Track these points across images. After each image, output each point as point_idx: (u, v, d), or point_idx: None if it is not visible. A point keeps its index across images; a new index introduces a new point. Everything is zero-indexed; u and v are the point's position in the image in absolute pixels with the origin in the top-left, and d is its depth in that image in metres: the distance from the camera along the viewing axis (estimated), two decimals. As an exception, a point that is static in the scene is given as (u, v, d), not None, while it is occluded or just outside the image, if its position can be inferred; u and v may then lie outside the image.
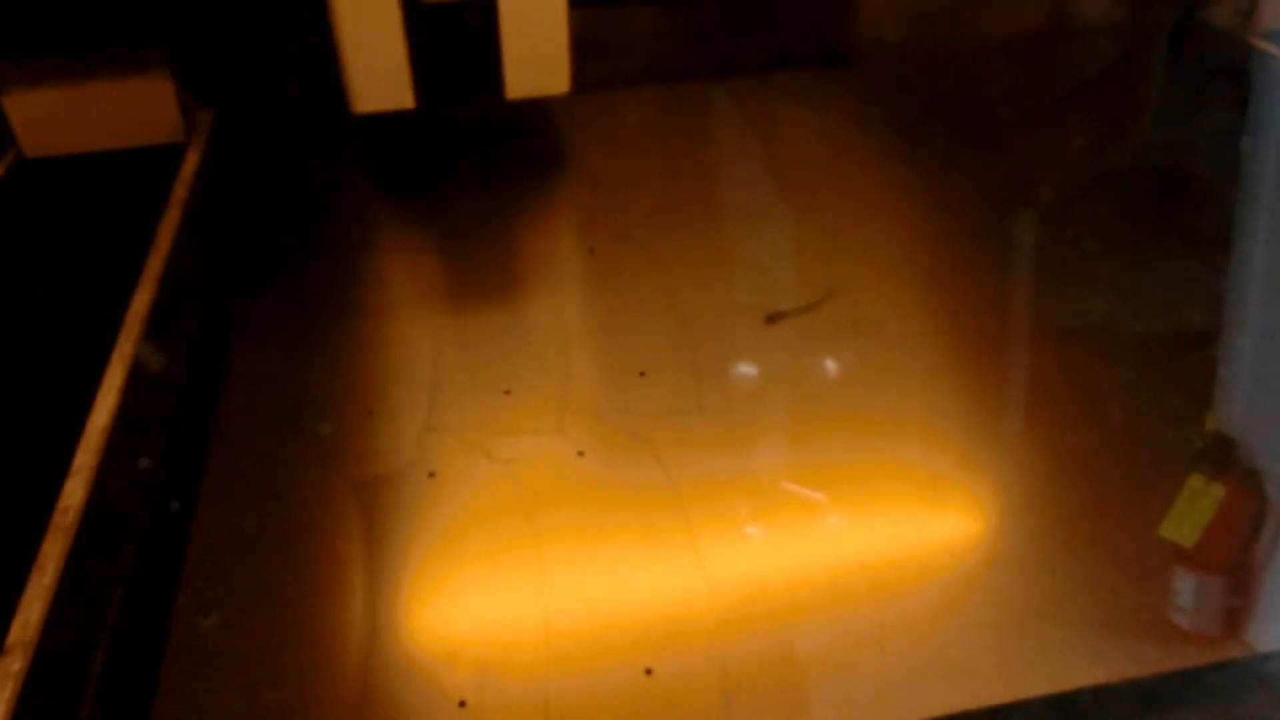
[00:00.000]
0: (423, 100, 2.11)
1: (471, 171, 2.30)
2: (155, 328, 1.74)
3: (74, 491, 1.42)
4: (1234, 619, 1.33)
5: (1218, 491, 1.25)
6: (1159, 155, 2.29)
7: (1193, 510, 1.26)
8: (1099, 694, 1.25)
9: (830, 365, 1.78)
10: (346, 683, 1.31)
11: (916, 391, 1.73)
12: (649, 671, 1.30)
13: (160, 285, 1.84)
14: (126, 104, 2.15)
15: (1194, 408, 1.31)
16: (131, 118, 2.16)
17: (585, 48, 2.20)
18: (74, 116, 2.13)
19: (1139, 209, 2.15)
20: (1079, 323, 1.84)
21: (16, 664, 1.18)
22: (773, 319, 1.58)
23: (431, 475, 1.57)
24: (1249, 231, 1.23)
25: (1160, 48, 2.48)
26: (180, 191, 2.07)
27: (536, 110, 2.41)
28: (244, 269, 2.04)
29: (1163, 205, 2.14)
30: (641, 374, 1.75)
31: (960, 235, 2.11)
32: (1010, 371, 1.78)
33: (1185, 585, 1.32)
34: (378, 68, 2.07)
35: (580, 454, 1.61)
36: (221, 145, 2.24)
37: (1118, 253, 2.03)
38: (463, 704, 1.27)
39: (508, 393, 1.73)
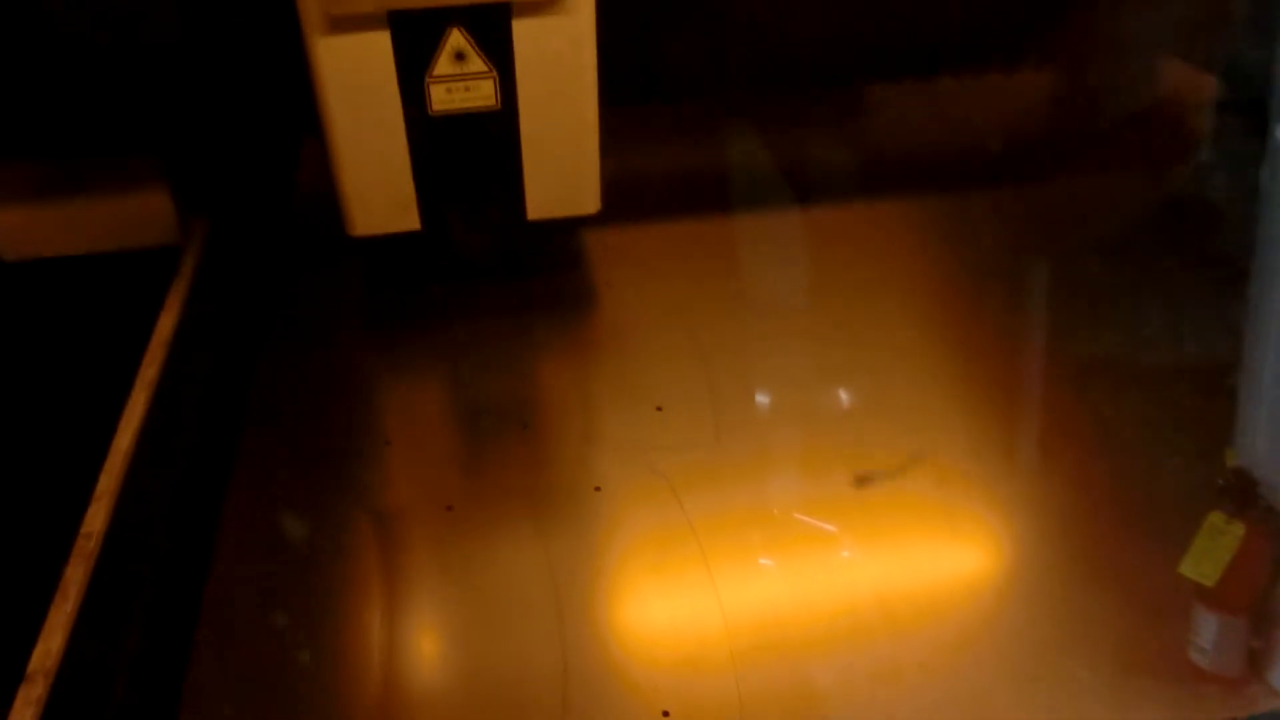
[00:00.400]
0: (430, 221, 1.87)
1: (486, 301, 2.05)
2: (178, 355, 1.77)
3: (96, 517, 1.44)
4: (1257, 661, 1.31)
5: (1238, 529, 1.24)
6: (1180, 185, 2.29)
7: (1213, 548, 1.25)
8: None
9: (844, 397, 1.79)
10: (365, 713, 1.31)
11: (937, 427, 1.73)
12: (666, 714, 1.30)
13: (184, 310, 1.87)
14: (118, 215, 1.99)
15: (1214, 443, 1.30)
16: (122, 226, 1.99)
17: (620, 152, 1.96)
18: (60, 225, 1.98)
19: (1158, 240, 2.15)
20: (1097, 356, 1.84)
21: (37, 691, 1.19)
22: (862, 480, 1.56)
23: (449, 508, 1.58)
24: (1271, 263, 1.23)
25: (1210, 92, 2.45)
26: (189, 262, 1.99)
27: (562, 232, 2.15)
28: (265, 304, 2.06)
29: (1183, 236, 2.14)
30: (659, 409, 1.76)
31: (982, 270, 2.12)
32: (1028, 406, 1.78)
33: (1206, 625, 1.30)
34: (378, 187, 1.82)
35: (597, 489, 1.61)
36: (217, 256, 2.06)
37: (1136, 285, 2.03)
38: (478, 738, 1.27)
39: (525, 426, 1.74)
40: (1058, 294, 2.00)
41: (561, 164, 1.86)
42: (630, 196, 2.21)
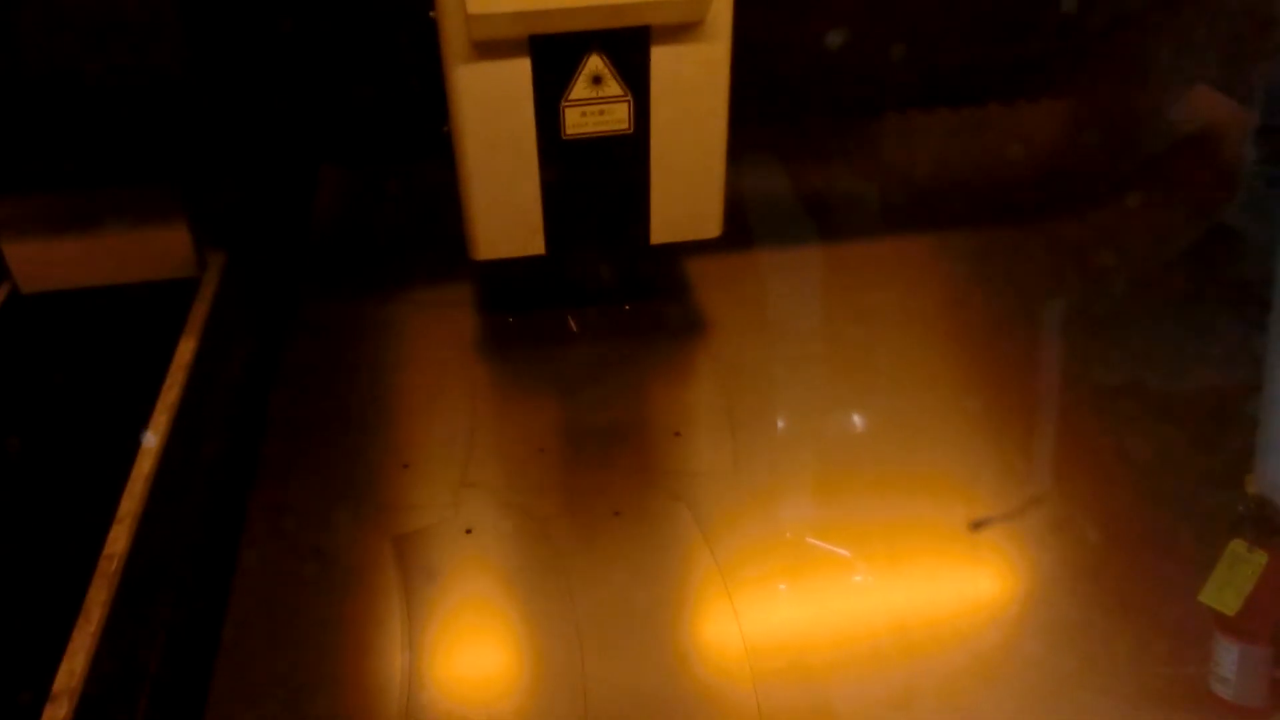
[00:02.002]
0: (554, 246, 1.87)
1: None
2: (199, 378, 1.78)
3: (118, 539, 1.44)
4: (1279, 691, 1.31)
5: (1260, 558, 1.24)
6: (1208, 214, 2.29)
7: (1234, 576, 1.25)
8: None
9: (859, 421, 1.80)
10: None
11: (956, 453, 1.73)
12: (687, 734, 1.30)
13: (204, 332, 1.88)
14: (135, 246, 1.98)
15: (1234, 470, 1.30)
16: (140, 259, 1.99)
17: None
18: (77, 256, 1.96)
19: (1180, 265, 2.16)
20: (1117, 384, 1.84)
21: (62, 711, 1.19)
22: (977, 526, 1.57)
23: (469, 531, 1.59)
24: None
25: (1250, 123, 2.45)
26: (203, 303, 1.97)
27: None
28: (283, 329, 2.08)
29: (1204, 261, 2.14)
30: (677, 434, 1.77)
31: (1005, 298, 2.12)
32: (1048, 432, 1.78)
33: (1228, 655, 1.30)
34: (506, 211, 1.81)
35: (616, 513, 1.62)
36: (234, 287, 2.06)
37: (1157, 311, 2.04)
38: (500, 761, 1.27)
39: (543, 450, 1.74)
40: (1078, 321, 2.02)
41: (687, 188, 1.86)
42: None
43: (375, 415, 1.83)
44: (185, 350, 1.84)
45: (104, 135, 1.82)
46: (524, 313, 2.07)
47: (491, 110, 1.72)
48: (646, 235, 1.90)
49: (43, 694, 1.20)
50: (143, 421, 1.67)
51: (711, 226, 1.92)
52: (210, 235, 2.08)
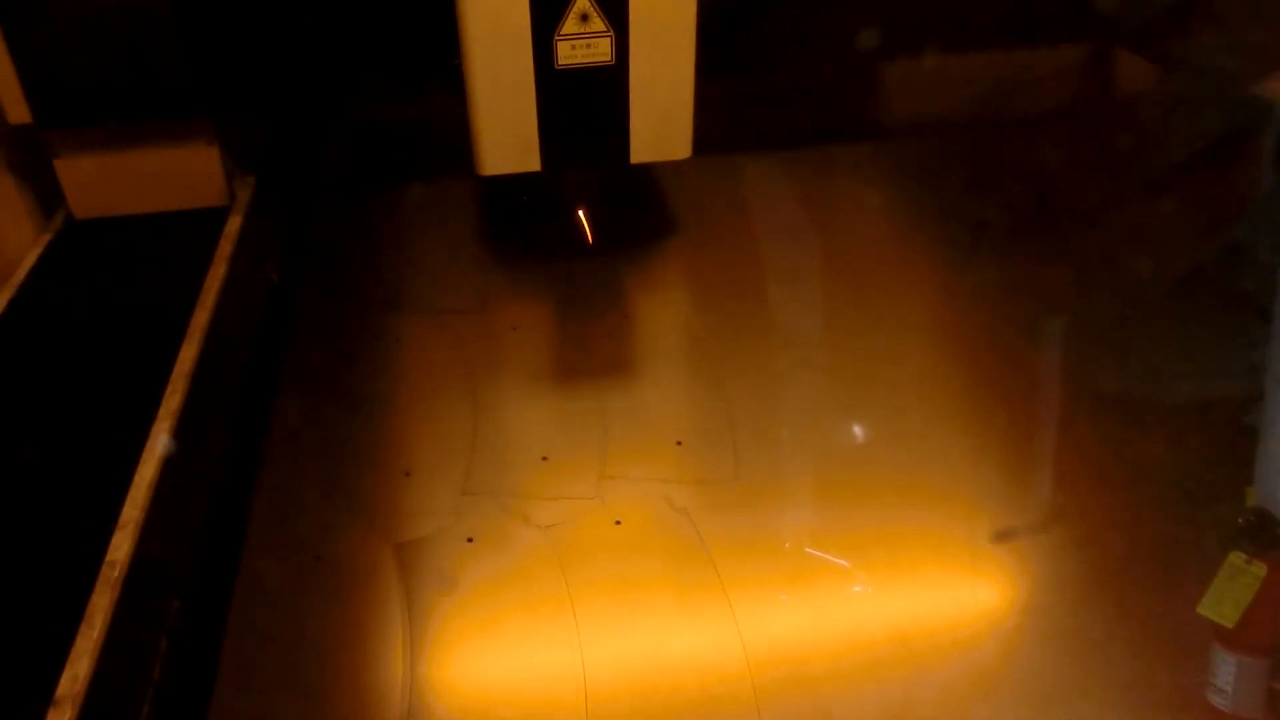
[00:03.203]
0: (547, 164, 2.13)
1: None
2: (200, 382, 1.78)
3: (121, 545, 1.44)
4: (1276, 702, 1.31)
5: (1259, 570, 1.25)
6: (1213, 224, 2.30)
7: (1233, 588, 1.26)
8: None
9: (860, 432, 1.81)
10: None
11: (956, 463, 1.74)
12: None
13: (205, 339, 1.88)
14: (173, 171, 2.24)
15: (1234, 482, 1.31)
16: (178, 184, 2.25)
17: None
18: (122, 182, 2.23)
19: (1182, 274, 2.17)
20: (1116, 392, 1.85)
21: (65, 716, 1.19)
22: (1001, 537, 1.60)
23: (470, 540, 1.59)
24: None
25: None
26: (225, 249, 2.15)
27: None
28: (287, 329, 2.08)
29: (1206, 270, 2.15)
30: (679, 443, 1.77)
31: (1004, 307, 2.13)
32: (1047, 443, 1.79)
33: (1225, 666, 1.30)
34: (508, 132, 2.08)
35: (617, 522, 1.62)
36: (262, 209, 2.32)
37: (1159, 320, 2.04)
38: (501, 769, 1.27)
39: (545, 459, 1.75)
40: (1076, 329, 2.02)
41: (662, 113, 2.11)
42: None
43: (377, 423, 1.83)
44: (186, 357, 1.85)
45: (145, 73, 2.08)
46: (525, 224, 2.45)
47: (496, 43, 1.97)
48: (627, 155, 2.15)
49: (46, 700, 1.21)
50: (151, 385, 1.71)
51: (683, 148, 2.15)
52: (241, 164, 2.36)
